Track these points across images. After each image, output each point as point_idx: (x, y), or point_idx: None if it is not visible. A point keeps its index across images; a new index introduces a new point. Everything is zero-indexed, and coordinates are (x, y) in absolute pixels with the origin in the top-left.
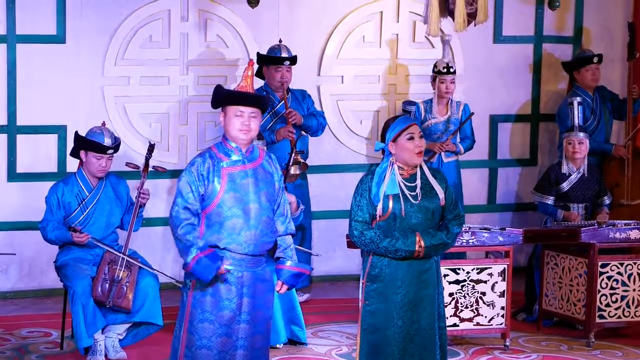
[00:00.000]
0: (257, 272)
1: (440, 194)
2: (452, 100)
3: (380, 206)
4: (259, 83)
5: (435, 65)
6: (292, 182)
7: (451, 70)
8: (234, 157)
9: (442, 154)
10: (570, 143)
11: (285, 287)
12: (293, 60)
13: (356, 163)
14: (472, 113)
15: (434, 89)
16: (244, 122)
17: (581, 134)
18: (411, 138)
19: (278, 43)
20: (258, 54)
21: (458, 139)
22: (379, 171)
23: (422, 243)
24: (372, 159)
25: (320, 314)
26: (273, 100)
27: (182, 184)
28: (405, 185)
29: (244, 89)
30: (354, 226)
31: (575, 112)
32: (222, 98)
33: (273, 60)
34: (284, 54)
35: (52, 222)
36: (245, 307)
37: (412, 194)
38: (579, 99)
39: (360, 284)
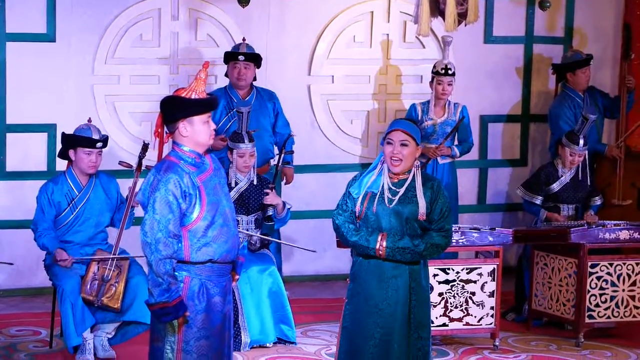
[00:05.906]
0: (229, 277)
1: (422, 206)
2: (449, 102)
3: (359, 202)
4: (224, 82)
5: (434, 66)
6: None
7: (449, 72)
8: (199, 164)
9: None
10: (572, 155)
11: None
12: (250, 56)
13: (346, 163)
14: (463, 117)
15: (432, 89)
16: (211, 127)
17: (583, 149)
18: (389, 143)
19: (241, 41)
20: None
21: (456, 142)
22: (372, 165)
23: (384, 243)
24: (362, 158)
25: (310, 314)
26: (232, 98)
27: (160, 205)
28: (389, 188)
29: (203, 94)
30: (335, 215)
31: (586, 128)
32: (190, 107)
33: (230, 56)
34: (242, 50)
35: (42, 224)
36: (228, 314)
37: (390, 197)
38: (594, 116)
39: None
